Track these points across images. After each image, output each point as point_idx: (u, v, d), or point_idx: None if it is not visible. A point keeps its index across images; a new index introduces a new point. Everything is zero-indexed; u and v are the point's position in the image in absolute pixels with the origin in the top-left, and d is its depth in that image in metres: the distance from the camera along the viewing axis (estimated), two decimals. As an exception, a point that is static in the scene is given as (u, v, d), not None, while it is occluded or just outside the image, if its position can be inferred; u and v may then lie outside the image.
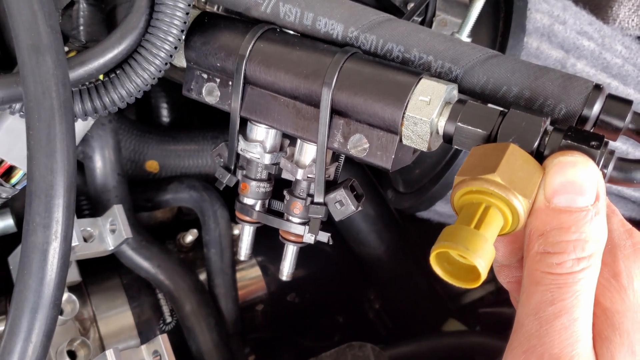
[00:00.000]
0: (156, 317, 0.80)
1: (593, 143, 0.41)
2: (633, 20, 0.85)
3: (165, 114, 0.95)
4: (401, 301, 1.03)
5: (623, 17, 0.85)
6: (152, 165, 0.85)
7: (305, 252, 0.84)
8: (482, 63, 0.47)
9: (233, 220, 0.85)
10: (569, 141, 0.41)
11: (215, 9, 0.61)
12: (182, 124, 0.97)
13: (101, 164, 0.73)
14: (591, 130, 0.45)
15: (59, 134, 0.44)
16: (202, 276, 0.85)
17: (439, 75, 0.49)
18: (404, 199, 0.81)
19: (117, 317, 0.79)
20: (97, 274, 0.82)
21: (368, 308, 1.10)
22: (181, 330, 0.79)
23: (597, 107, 0.45)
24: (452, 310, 1.06)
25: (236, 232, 0.85)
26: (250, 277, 0.89)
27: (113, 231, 0.71)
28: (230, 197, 0.90)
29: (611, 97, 0.45)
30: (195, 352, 0.77)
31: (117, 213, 0.70)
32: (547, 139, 0.42)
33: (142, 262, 0.77)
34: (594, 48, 0.71)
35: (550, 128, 0.42)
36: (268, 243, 0.71)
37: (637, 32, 0.83)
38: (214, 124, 0.91)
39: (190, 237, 0.83)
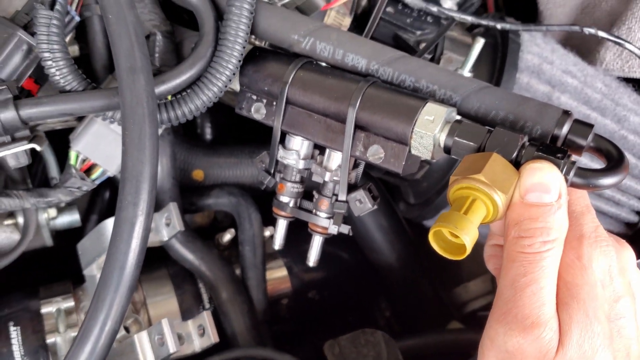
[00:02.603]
0: (197, 304, 0.90)
1: (559, 155, 0.50)
2: (617, 63, 0.96)
3: (208, 132, 1.07)
4: (408, 305, 1.10)
5: (609, 60, 0.96)
6: (198, 174, 0.98)
7: (327, 257, 0.96)
8: (477, 92, 0.57)
9: (264, 223, 0.97)
10: (540, 153, 0.50)
11: (263, 44, 0.74)
12: (222, 141, 1.10)
13: (160, 168, 0.85)
14: (559, 147, 0.53)
15: (147, 134, 0.57)
16: (237, 271, 0.96)
17: (442, 101, 0.58)
18: (414, 209, 0.93)
19: (164, 302, 0.89)
20: (147, 266, 0.93)
21: (379, 316, 1.18)
22: (217, 315, 0.90)
23: (565, 129, 0.54)
24: (455, 317, 1.14)
25: (267, 233, 0.96)
26: (277, 275, 1.00)
27: (168, 224, 0.83)
28: (261, 204, 1.03)
29: (577, 121, 0.54)
30: (230, 334, 0.88)
31: (172, 209, 0.83)
32: (523, 151, 0.51)
33: (188, 255, 0.88)
34: (577, 85, 0.83)
35: (527, 143, 0.52)
36: (293, 248, 0.82)
37: (620, 73, 0.95)
38: (250, 141, 1.04)
39: (228, 235, 0.95)
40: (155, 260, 0.93)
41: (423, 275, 1.10)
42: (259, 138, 1.03)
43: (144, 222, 0.56)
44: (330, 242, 0.69)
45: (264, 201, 1.00)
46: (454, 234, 0.48)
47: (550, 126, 0.54)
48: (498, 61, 0.82)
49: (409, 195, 0.95)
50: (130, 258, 0.56)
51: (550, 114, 0.54)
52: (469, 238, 0.47)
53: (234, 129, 1.11)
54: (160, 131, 0.76)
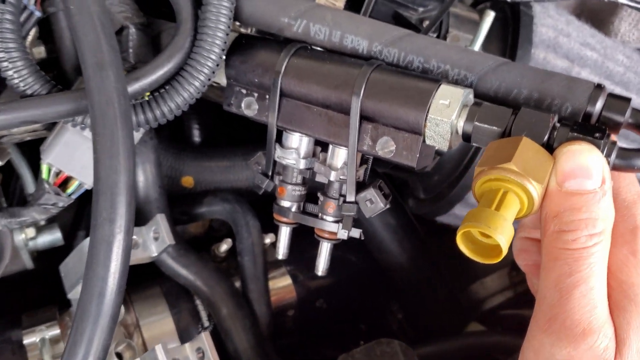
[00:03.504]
0: (195, 322, 0.84)
1: (597, 134, 0.45)
2: (633, 34, 0.90)
3: (197, 134, 1.01)
4: (422, 308, 1.06)
5: (624, 32, 0.90)
6: (187, 181, 0.91)
7: (333, 261, 0.89)
8: (494, 70, 0.52)
9: (264, 229, 0.90)
10: (575, 133, 0.46)
11: (249, 31, 0.67)
12: (213, 143, 1.03)
13: (144, 177, 0.79)
14: (596, 125, 0.49)
15: (120, 138, 0.50)
16: (237, 284, 0.89)
17: (455, 82, 0.53)
18: (424, 204, 0.86)
19: (158, 322, 0.83)
20: (138, 284, 0.87)
21: (392, 319, 1.13)
22: (218, 334, 0.84)
23: (599, 104, 0.49)
24: (473, 318, 1.09)
25: (267, 240, 0.90)
26: (281, 285, 0.94)
27: (156, 238, 0.76)
28: (260, 209, 0.96)
29: (611, 96, 0.49)
30: (233, 352, 0.82)
31: (160, 222, 0.76)
32: (555, 133, 0.46)
33: (181, 270, 0.82)
34: (596, 58, 0.77)
35: (557, 124, 0.47)
36: (297, 254, 0.75)
37: (637, 44, 0.89)
38: (243, 142, 0.97)
39: (225, 246, 0.88)
40: (147, 276, 0.87)
41: (436, 275, 1.05)
42: (252, 137, 0.96)
43: (123, 241, 0.50)
44: (336, 244, 0.64)
45: (262, 205, 0.94)
46: (486, 234, 0.43)
47: (581, 102, 0.49)
48: (510, 37, 0.75)
49: (419, 190, 0.88)
50: (110, 283, 0.49)
51: (581, 89, 0.49)
52: (504, 238, 0.42)
53: (224, 129, 1.04)
54: (139, 135, 0.69)
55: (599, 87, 0.49)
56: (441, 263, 1.07)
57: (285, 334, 0.94)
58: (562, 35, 0.75)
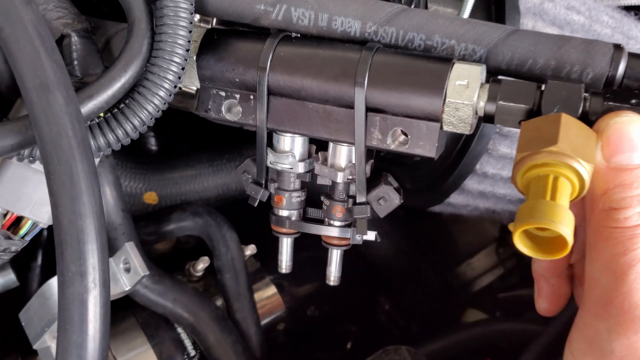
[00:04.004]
0: (179, 352, 0.76)
1: (633, 101, 0.42)
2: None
3: (153, 142, 0.91)
4: (415, 298, 1.01)
5: (602, -11, 0.85)
6: (150, 197, 0.82)
7: (316, 263, 0.82)
8: (504, 40, 0.48)
9: (242, 242, 0.82)
10: (611, 102, 0.42)
11: (209, 25, 0.58)
12: (172, 151, 0.94)
13: (105, 202, 0.69)
14: (629, 90, 0.45)
15: (82, 173, 0.41)
16: (218, 302, 0.81)
17: (463, 58, 0.48)
18: (414, 196, 0.80)
19: (138, 357, 0.75)
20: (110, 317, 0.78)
21: (379, 312, 1.08)
22: (207, 362, 0.76)
23: (621, 67, 0.45)
24: (466, 300, 1.05)
25: (248, 252, 0.82)
26: (266, 296, 0.86)
27: (127, 270, 0.67)
28: (234, 213, 0.88)
29: (633, 56, 0.46)
30: (227, 382, 0.74)
31: (130, 251, 0.66)
32: (587, 104, 0.43)
33: (158, 299, 0.73)
34: (583, 21, 0.71)
35: (586, 94, 0.44)
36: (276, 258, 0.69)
37: (617, 2, 0.83)
38: (207, 146, 0.88)
39: (201, 264, 0.79)
40: (119, 308, 0.78)
41: (426, 263, 1.00)
42: (217, 140, 0.87)
43: (100, 296, 0.41)
44: (317, 244, 0.58)
45: (237, 209, 0.86)
46: (542, 228, 0.39)
47: (604, 67, 0.46)
48: (493, 7, 0.68)
49: (405, 181, 0.81)
50: (90, 350, 0.41)
51: (601, 52, 0.46)
52: (569, 230, 0.38)
53: (183, 134, 0.95)
54: (97, 160, 0.59)
55: (619, 48, 0.46)
56: (429, 250, 1.02)
57: (277, 350, 0.86)
58: (547, 1, 0.69)
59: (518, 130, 0.43)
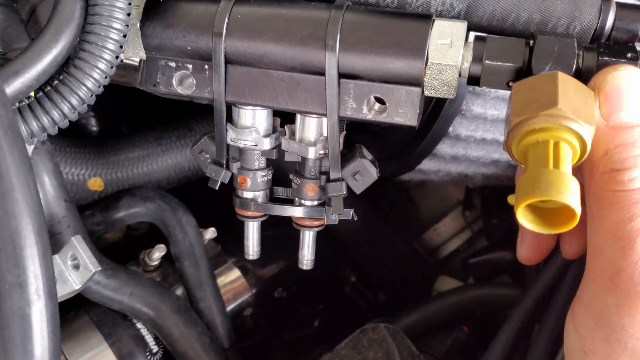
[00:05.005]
0: (140, 349, 0.70)
1: (628, 54, 0.40)
2: None
3: (93, 123, 0.84)
4: (382, 268, 0.98)
5: None
6: (95, 184, 0.75)
7: (281, 242, 0.77)
8: None
9: (200, 225, 0.76)
10: (606, 57, 0.40)
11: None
12: (114, 131, 0.86)
13: (43, 194, 0.62)
14: (622, 43, 0.44)
15: (11, 166, 0.35)
16: (178, 292, 0.76)
17: (440, 14, 0.45)
18: (382, 164, 0.75)
19: (95, 358, 0.69)
20: (60, 317, 0.71)
21: (345, 284, 1.04)
22: (171, 357, 0.70)
23: (610, 18, 0.43)
24: (435, 266, 1.02)
25: (207, 236, 0.76)
26: (230, 281, 0.80)
27: (76, 267, 0.60)
28: (189, 194, 0.82)
29: (621, 5, 0.44)
30: (194, 377, 0.69)
31: (77, 245, 0.60)
32: (580, 60, 0.41)
33: (113, 295, 0.67)
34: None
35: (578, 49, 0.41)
36: (240, 241, 0.64)
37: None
38: (153, 124, 0.81)
39: (157, 253, 0.73)
40: (69, 307, 0.72)
41: (393, 232, 0.96)
42: (164, 117, 0.80)
43: (46, 309, 0.35)
44: (281, 220, 0.54)
45: (191, 189, 0.80)
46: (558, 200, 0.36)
47: (592, 18, 0.43)
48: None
49: (372, 150, 0.76)
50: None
51: (589, 2, 0.44)
52: (576, 199, 0.35)
53: (126, 111, 0.87)
54: (31, 148, 0.52)
55: None
56: (396, 218, 0.99)
57: (245, 336, 0.81)
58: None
59: (491, 90, 0.40)
